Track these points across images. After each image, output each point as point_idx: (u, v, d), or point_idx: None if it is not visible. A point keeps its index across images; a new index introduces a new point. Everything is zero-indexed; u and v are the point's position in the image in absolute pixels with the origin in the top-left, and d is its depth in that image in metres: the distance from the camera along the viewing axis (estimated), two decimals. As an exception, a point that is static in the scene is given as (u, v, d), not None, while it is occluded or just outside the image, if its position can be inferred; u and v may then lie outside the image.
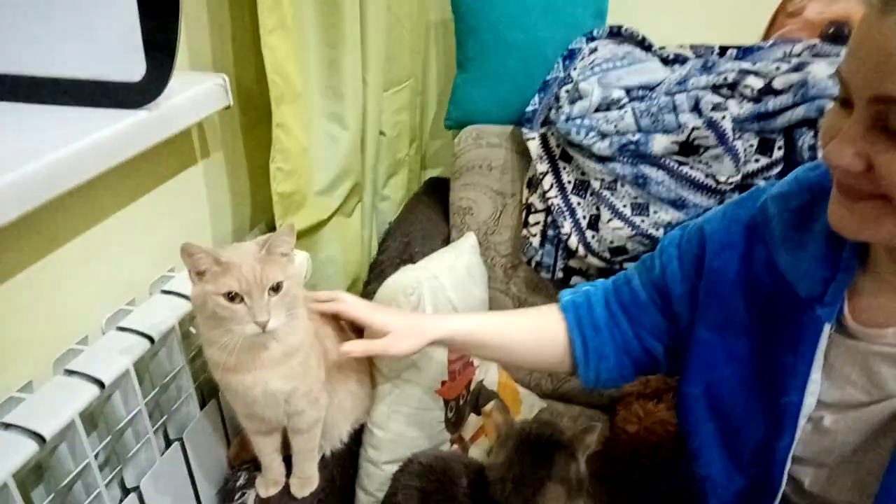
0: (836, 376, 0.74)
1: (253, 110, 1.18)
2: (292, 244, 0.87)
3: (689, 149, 1.23)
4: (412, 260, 1.38)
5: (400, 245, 1.47)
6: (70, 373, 0.83)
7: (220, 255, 0.82)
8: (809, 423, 0.76)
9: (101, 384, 0.82)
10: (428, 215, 1.57)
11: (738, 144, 1.21)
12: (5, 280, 0.80)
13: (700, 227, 0.89)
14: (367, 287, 1.46)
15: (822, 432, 0.76)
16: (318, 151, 1.21)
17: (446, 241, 1.52)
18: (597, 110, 1.29)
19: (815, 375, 0.74)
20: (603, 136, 1.27)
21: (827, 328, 0.73)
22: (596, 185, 1.31)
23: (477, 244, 1.46)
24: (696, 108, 1.24)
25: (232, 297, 0.81)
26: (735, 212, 0.86)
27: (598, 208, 1.32)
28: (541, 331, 1.00)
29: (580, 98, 1.29)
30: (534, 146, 1.37)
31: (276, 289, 0.83)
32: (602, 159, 1.28)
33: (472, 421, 1.34)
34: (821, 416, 0.76)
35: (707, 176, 1.23)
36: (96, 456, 0.85)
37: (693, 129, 1.21)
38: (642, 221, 1.27)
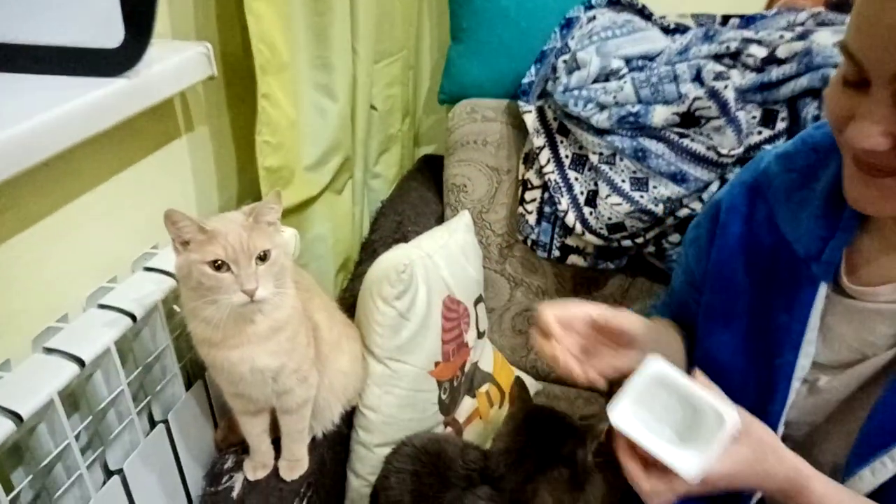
0: (831, 337, 0.74)
1: (239, 82, 1.14)
2: (279, 212, 0.84)
3: (690, 120, 1.20)
4: (405, 239, 1.34)
5: (392, 224, 1.44)
6: (49, 351, 0.80)
7: (206, 224, 0.78)
8: (804, 386, 0.76)
9: (81, 362, 0.78)
10: (421, 193, 1.53)
11: (741, 115, 1.17)
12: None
13: (715, 201, 0.88)
14: (359, 267, 1.42)
15: (815, 393, 0.75)
16: (307, 125, 1.17)
17: (440, 220, 1.49)
18: (595, 81, 1.25)
19: (811, 335, 0.74)
20: (601, 107, 1.23)
21: (823, 288, 0.73)
22: (594, 159, 1.27)
23: (471, 222, 1.42)
24: (697, 78, 1.20)
25: (218, 265, 0.78)
26: (740, 174, 0.85)
27: (596, 184, 1.28)
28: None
29: (578, 68, 1.25)
30: (530, 119, 1.33)
31: (263, 258, 0.80)
32: (600, 132, 1.24)
33: (467, 403, 1.32)
34: (816, 379, 0.75)
35: (708, 148, 1.19)
36: (77, 437, 0.81)
37: (694, 99, 1.17)
38: (641, 197, 1.24)
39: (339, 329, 1.06)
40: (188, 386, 1.02)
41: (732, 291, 0.82)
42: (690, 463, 0.62)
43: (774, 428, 0.76)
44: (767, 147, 1.19)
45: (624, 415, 0.64)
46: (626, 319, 0.75)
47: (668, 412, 0.66)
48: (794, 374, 0.75)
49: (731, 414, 0.63)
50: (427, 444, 1.05)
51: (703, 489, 0.64)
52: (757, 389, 0.78)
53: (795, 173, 0.77)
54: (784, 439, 0.77)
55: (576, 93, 1.24)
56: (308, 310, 0.95)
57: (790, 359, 0.75)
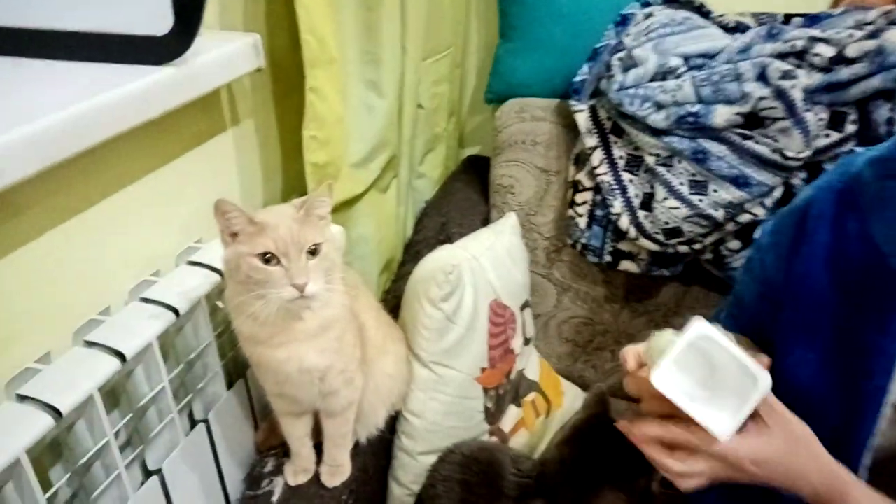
0: None
1: (285, 77, 1.11)
2: (330, 205, 0.81)
3: (754, 121, 1.14)
4: (449, 240, 1.30)
5: (437, 225, 1.40)
6: (90, 344, 0.77)
7: (255, 215, 0.76)
8: (893, 411, 0.69)
9: (122, 357, 0.76)
10: (466, 194, 1.49)
11: (808, 116, 1.11)
12: (24, 244, 0.75)
13: (801, 206, 0.81)
14: (402, 268, 1.39)
15: None
16: (354, 121, 1.14)
17: (485, 222, 1.44)
18: (652, 79, 1.20)
19: None
20: (659, 106, 1.18)
21: None
22: (650, 160, 1.22)
23: (518, 225, 1.37)
24: (762, 77, 1.14)
25: (267, 258, 0.75)
26: (827, 178, 0.78)
27: (651, 186, 1.23)
28: None
29: (634, 66, 1.20)
30: (582, 119, 1.28)
31: (313, 252, 0.77)
32: (657, 132, 1.19)
33: (512, 412, 1.27)
34: None
35: (773, 151, 1.13)
36: (116, 435, 0.79)
37: (759, 98, 1.11)
38: (700, 200, 1.18)
39: (384, 330, 1.02)
40: (230, 385, 0.99)
41: (816, 307, 0.75)
42: (723, 424, 0.62)
43: (859, 455, 0.70)
44: (837, 151, 1.12)
45: (664, 377, 0.64)
46: None
47: (707, 375, 0.66)
48: (885, 400, 0.68)
49: (764, 375, 0.63)
50: (477, 452, 1.00)
51: (733, 474, 0.64)
52: (841, 413, 0.72)
53: (893, 181, 0.70)
54: (871, 468, 0.71)
55: (632, 91, 1.19)
56: (355, 309, 0.91)
57: (881, 383, 0.68)
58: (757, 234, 0.87)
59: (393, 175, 1.32)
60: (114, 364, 0.75)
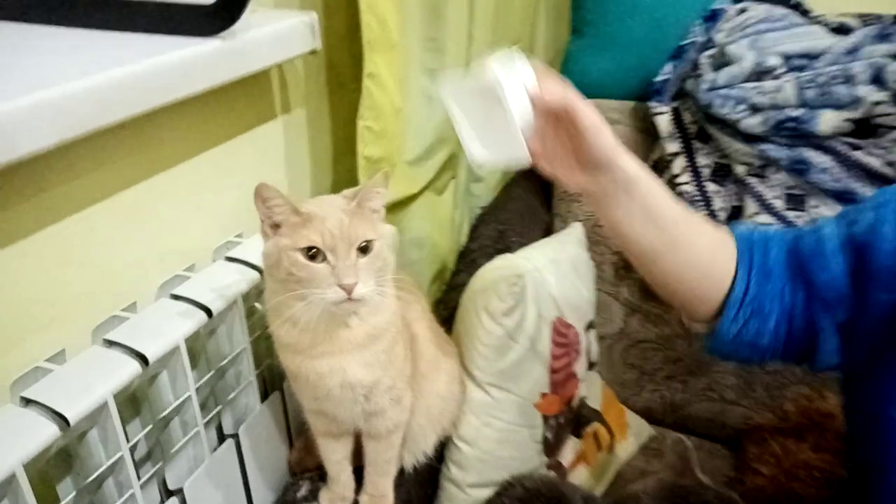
0: None
1: (342, 63, 1.02)
2: (386, 198, 0.71)
3: (865, 129, 1.01)
4: (508, 250, 1.18)
5: (494, 233, 1.29)
6: (110, 343, 0.68)
7: (301, 205, 0.67)
8: None
9: (144, 360, 0.67)
10: (527, 201, 1.38)
11: (932, 125, 0.97)
12: (43, 227, 0.66)
13: None
14: (455, 277, 1.28)
15: None
16: (413, 113, 1.04)
17: (547, 232, 1.33)
18: (746, 80, 1.07)
19: None
20: (754, 109, 1.05)
21: None
22: (740, 170, 1.09)
23: (584, 237, 1.25)
24: (877, 80, 1.00)
25: (313, 254, 0.65)
26: None
27: (741, 199, 1.10)
28: (712, 247, 0.76)
29: (727, 64, 1.08)
30: (664, 122, 1.16)
31: (364, 250, 0.67)
32: (751, 139, 1.06)
33: (571, 444, 1.14)
34: None
35: (886, 164, 0.99)
36: (134, 449, 0.69)
37: (874, 103, 0.98)
38: (797, 217, 1.05)
39: (437, 344, 0.91)
40: (264, 397, 0.89)
41: None
42: (479, 152, 0.71)
43: None
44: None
45: (454, 92, 0.70)
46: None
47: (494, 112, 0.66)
48: None
49: (522, 152, 0.67)
50: (542, 486, 0.88)
51: None
52: None
53: None
54: None
55: (723, 91, 1.07)
56: (407, 317, 0.81)
57: None
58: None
59: (451, 176, 1.21)
60: (134, 367, 0.66)
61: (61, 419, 0.59)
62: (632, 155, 0.71)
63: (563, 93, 0.68)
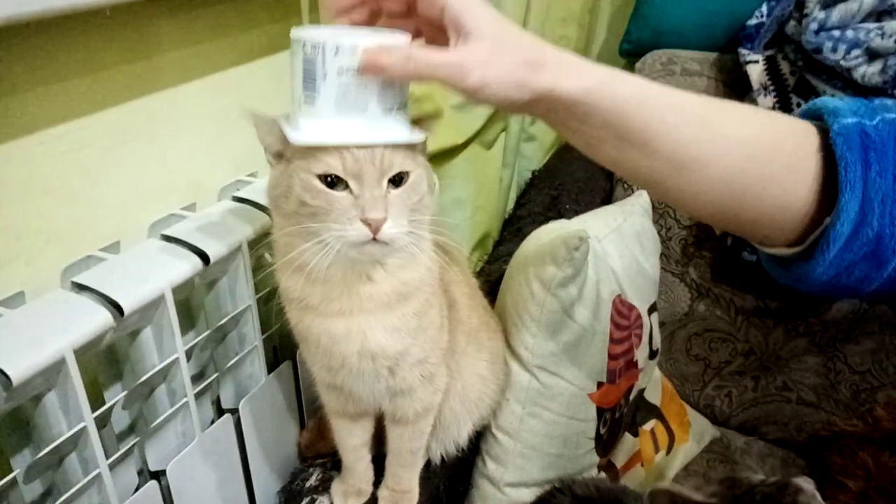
0: None
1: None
2: (432, 130, 0.56)
3: None
4: (561, 218, 1.03)
5: (546, 198, 1.13)
6: (79, 288, 0.55)
7: None
8: None
9: (118, 309, 0.53)
10: (584, 165, 1.22)
11: None
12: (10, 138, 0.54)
13: None
14: (499, 247, 1.13)
15: None
16: (463, 46, 0.88)
17: (607, 201, 1.17)
18: (863, 20, 0.89)
19: None
20: (873, 55, 0.87)
21: None
22: (849, 130, 0.91)
23: (650, 206, 1.09)
24: None
25: (331, 181, 0.50)
26: None
27: (847, 165, 0.92)
28: (776, 143, 0.53)
29: (841, 1, 0.89)
30: (756, 72, 0.99)
31: (397, 182, 0.52)
32: (866, 91, 0.88)
33: (627, 443, 0.99)
34: None
35: None
36: (104, 419, 0.56)
37: None
38: (918, 188, 0.86)
39: (479, 315, 0.76)
40: (272, 367, 0.76)
41: None
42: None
43: None
44: None
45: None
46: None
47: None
48: None
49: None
50: (594, 492, 0.73)
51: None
52: None
53: None
54: None
55: (836, 34, 0.89)
56: (445, 279, 0.66)
57: None
58: None
59: (501, 128, 1.06)
60: (104, 318, 0.52)
61: (3, 377, 0.46)
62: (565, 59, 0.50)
63: None
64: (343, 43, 0.48)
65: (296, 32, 0.50)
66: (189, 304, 0.66)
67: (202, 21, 0.68)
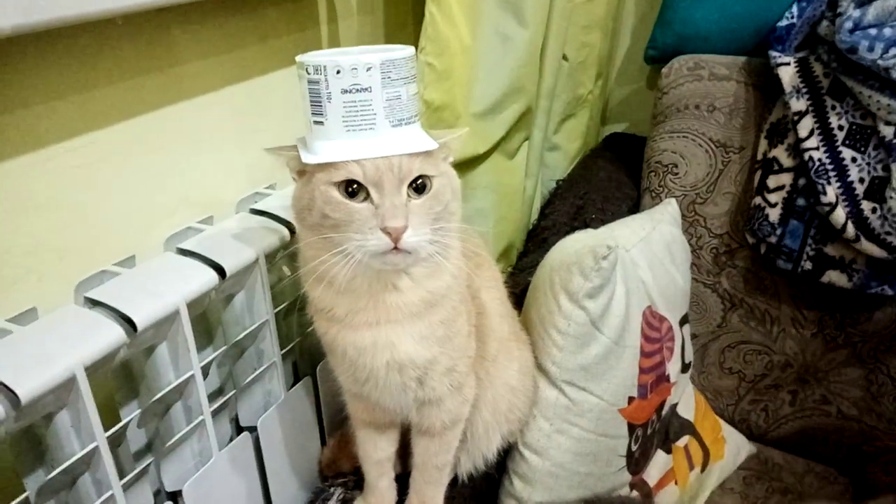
0: None
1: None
2: (459, 139, 0.56)
3: None
4: (587, 227, 1.00)
5: (571, 208, 1.11)
6: (92, 303, 0.54)
7: None
8: None
9: (131, 325, 0.52)
10: (610, 174, 1.19)
11: None
12: (21, 153, 0.53)
13: None
14: (523, 259, 1.10)
15: None
16: (484, 54, 0.86)
17: (634, 210, 1.14)
18: (902, 19, 0.85)
19: None
20: (913, 55, 0.83)
21: None
22: (888, 132, 0.88)
23: (679, 215, 1.06)
24: None
25: (352, 190, 0.50)
26: None
27: (887, 168, 0.88)
28: None
29: (878, -2, 0.86)
30: (788, 74, 0.95)
31: (420, 189, 0.51)
32: (905, 92, 0.84)
33: (660, 460, 0.95)
34: None
35: None
36: (118, 439, 0.54)
37: None
38: (963, 191, 0.82)
39: (509, 323, 0.74)
40: (292, 383, 0.74)
41: None
42: None
43: None
44: None
45: None
46: None
47: None
48: None
49: None
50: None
51: None
52: None
53: None
54: None
55: (872, 32, 0.85)
56: (474, 285, 0.64)
57: None
58: None
59: (524, 136, 1.03)
60: (117, 334, 0.51)
61: (12, 396, 0.44)
62: None
63: None
64: (343, 63, 0.48)
65: (299, 57, 0.51)
66: (206, 319, 0.65)
67: (218, 32, 0.67)
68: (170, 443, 0.59)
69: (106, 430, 0.53)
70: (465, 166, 0.93)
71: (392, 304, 0.55)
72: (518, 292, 0.89)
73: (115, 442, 0.58)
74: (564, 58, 1.09)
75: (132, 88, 0.60)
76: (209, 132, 0.68)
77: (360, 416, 0.68)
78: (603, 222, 1.01)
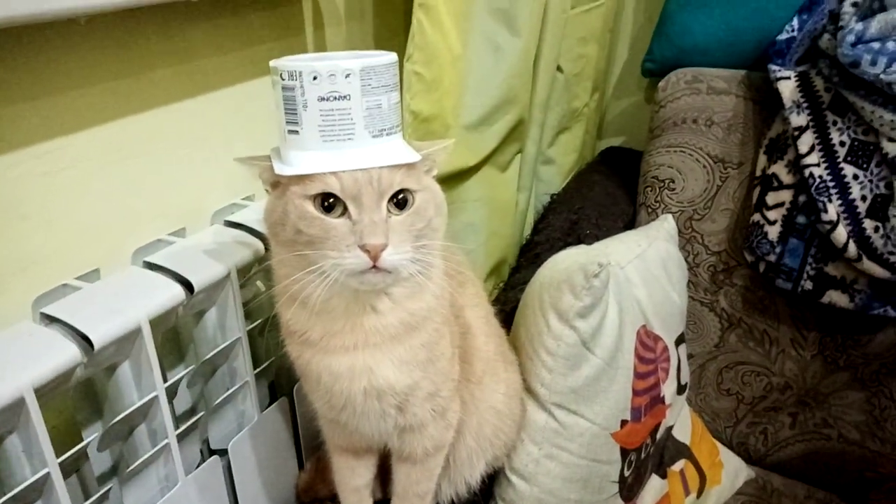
0: None
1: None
2: (445, 151, 0.53)
3: None
4: (580, 243, 0.98)
5: (565, 223, 1.08)
6: (50, 320, 0.51)
7: None
8: None
9: (88, 343, 0.48)
10: (605, 189, 1.16)
11: None
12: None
13: None
14: (516, 275, 1.07)
15: None
16: (474, 63, 0.84)
17: (630, 226, 1.11)
18: (905, 33, 0.83)
19: None
20: (917, 69, 0.81)
21: None
22: (891, 149, 0.85)
23: (676, 231, 1.03)
24: None
25: (329, 205, 0.47)
26: None
27: (889, 185, 0.86)
28: None
29: (881, 9, 0.84)
30: (788, 89, 0.93)
31: (401, 204, 0.48)
32: (909, 107, 0.82)
33: (654, 485, 0.92)
34: None
35: None
36: (75, 465, 0.51)
37: None
38: (969, 210, 0.80)
39: (495, 342, 0.71)
40: (268, 403, 0.71)
41: None
42: None
43: None
44: None
45: None
46: None
47: None
48: None
49: None
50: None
51: None
52: None
53: None
54: None
55: (875, 46, 0.83)
56: (458, 303, 0.61)
57: None
58: None
59: (517, 149, 1.01)
60: (72, 353, 0.48)
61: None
62: None
63: None
64: (320, 69, 0.45)
65: (273, 62, 0.48)
66: (177, 335, 0.62)
67: (197, 36, 0.65)
68: (133, 466, 0.56)
69: (63, 453, 0.50)
70: (454, 179, 0.90)
71: (370, 327, 0.52)
72: (508, 310, 0.86)
73: (75, 465, 0.55)
74: (559, 69, 1.07)
75: (103, 93, 0.58)
76: (185, 141, 0.66)
77: (337, 441, 0.65)
78: (598, 238, 0.98)
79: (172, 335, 0.61)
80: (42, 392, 0.46)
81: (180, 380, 0.59)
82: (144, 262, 0.58)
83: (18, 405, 0.45)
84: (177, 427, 0.58)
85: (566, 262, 0.75)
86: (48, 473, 0.48)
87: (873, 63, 0.83)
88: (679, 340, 0.96)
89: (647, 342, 0.86)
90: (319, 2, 0.78)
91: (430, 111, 0.80)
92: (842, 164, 0.89)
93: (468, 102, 0.85)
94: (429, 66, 0.77)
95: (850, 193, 0.88)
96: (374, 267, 0.47)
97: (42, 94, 0.53)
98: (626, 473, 0.83)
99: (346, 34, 0.85)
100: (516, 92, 0.91)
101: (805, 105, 0.92)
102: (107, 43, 0.56)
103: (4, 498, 0.47)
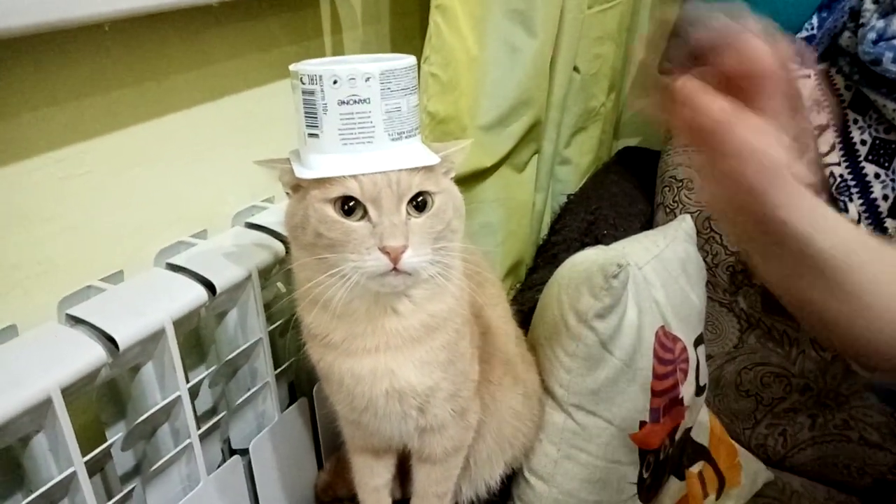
0: None
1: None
2: (463, 153, 0.54)
3: None
4: (598, 244, 0.97)
5: (582, 224, 1.07)
6: (75, 321, 0.51)
7: None
8: None
9: (114, 344, 0.49)
10: (622, 189, 1.16)
11: None
12: (6, 163, 0.51)
13: None
14: (532, 275, 1.07)
15: None
16: (491, 64, 0.84)
17: (647, 226, 1.10)
18: (928, 30, 0.82)
19: None
20: (940, 67, 0.80)
21: None
22: (913, 147, 0.84)
23: (694, 231, 1.03)
24: None
25: (349, 208, 0.47)
26: None
27: (912, 184, 0.85)
28: None
29: (903, 8, 0.83)
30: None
31: (420, 207, 0.49)
32: (932, 105, 0.81)
33: (673, 487, 0.91)
34: None
35: None
36: (99, 465, 0.52)
37: None
38: None
39: (514, 343, 0.71)
40: (286, 404, 0.71)
41: None
42: None
43: None
44: None
45: None
46: None
47: None
48: None
49: None
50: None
51: None
52: None
53: None
54: None
55: (896, 43, 0.82)
56: (477, 304, 0.61)
57: None
58: None
59: (533, 150, 1.01)
60: (98, 354, 0.48)
61: (-20, 419, 0.42)
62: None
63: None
64: (340, 73, 0.46)
65: (294, 66, 0.48)
66: (199, 336, 0.62)
67: (216, 41, 0.66)
68: (156, 466, 0.57)
69: (88, 453, 0.50)
70: (471, 180, 0.90)
71: (391, 329, 0.53)
72: (526, 310, 0.86)
73: (99, 464, 0.55)
74: (576, 69, 1.06)
75: (125, 98, 0.58)
76: (205, 144, 0.66)
77: (357, 442, 0.65)
78: (615, 238, 0.98)
79: (194, 336, 0.62)
80: (68, 392, 0.47)
81: (202, 380, 0.60)
82: (167, 263, 0.58)
83: (45, 405, 0.45)
84: (199, 427, 0.59)
85: (585, 262, 0.75)
86: (74, 472, 0.48)
87: (894, 61, 0.82)
88: (698, 341, 0.96)
89: (665, 343, 0.86)
90: (337, 5, 0.79)
91: (446, 112, 0.80)
92: (863, 163, 0.88)
93: (485, 103, 0.86)
94: (445, 67, 0.77)
95: (872, 192, 0.88)
96: (395, 269, 0.47)
97: (65, 99, 0.54)
98: (645, 475, 0.83)
99: (363, 37, 0.85)
100: (533, 93, 0.91)
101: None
102: (129, 48, 0.57)
103: (32, 496, 0.47)
